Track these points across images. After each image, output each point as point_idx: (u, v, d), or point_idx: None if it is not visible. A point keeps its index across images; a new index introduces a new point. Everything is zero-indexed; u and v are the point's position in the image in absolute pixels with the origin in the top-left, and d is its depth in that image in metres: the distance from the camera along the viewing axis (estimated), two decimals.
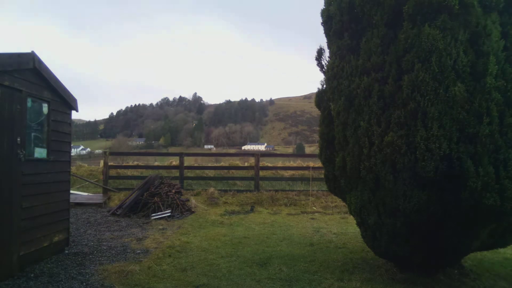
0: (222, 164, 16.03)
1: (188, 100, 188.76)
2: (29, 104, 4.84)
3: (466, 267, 4.86)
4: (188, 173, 13.55)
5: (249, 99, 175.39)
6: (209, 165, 16.15)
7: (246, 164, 15.06)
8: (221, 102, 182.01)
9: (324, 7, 5.04)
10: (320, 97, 5.30)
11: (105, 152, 13.05)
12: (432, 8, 3.83)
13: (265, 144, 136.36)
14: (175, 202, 9.44)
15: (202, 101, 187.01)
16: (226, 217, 9.12)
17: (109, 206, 10.41)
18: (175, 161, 14.88)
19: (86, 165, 16.05)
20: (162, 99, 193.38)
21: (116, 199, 10.89)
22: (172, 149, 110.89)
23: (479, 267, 5.09)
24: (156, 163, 17.90)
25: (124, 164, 16.13)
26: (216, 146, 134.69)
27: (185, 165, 12.71)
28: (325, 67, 5.16)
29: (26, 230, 4.79)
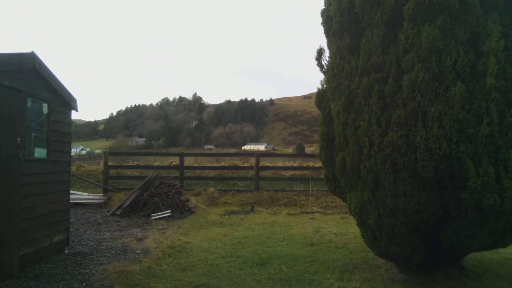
0: (222, 164, 16.01)
1: (188, 100, 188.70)
2: (29, 104, 4.84)
3: (466, 267, 4.86)
4: (188, 173, 13.55)
5: (249, 99, 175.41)
6: (209, 165, 16.14)
7: (246, 164, 15.05)
8: (221, 102, 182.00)
9: (324, 7, 5.04)
10: (320, 97, 5.30)
11: (105, 152, 13.04)
12: (432, 8, 3.83)
13: (265, 144, 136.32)
14: (175, 202, 9.44)
15: (202, 101, 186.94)
16: (226, 217, 9.12)
17: (109, 206, 10.41)
18: (175, 161, 14.88)
19: (86, 165, 16.03)
20: (162, 99, 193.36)
21: (116, 199, 10.88)
22: (172, 149, 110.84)
23: (479, 267, 5.09)
24: (156, 163, 17.89)
25: (124, 164, 16.10)
26: (216, 146, 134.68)
27: (185, 165, 12.70)
28: (325, 67, 5.16)
29: (26, 230, 4.79)
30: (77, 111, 6.03)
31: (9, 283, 4.30)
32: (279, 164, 16.35)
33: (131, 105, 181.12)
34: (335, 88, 4.71)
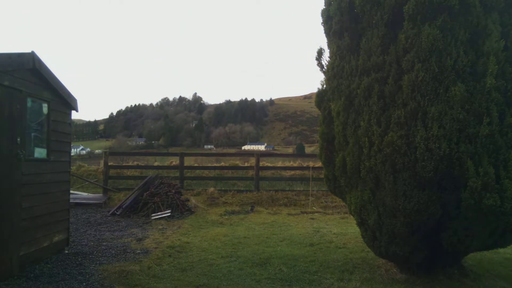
0: (222, 164, 16.00)
1: (188, 100, 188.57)
2: (29, 104, 4.84)
3: (466, 267, 4.86)
4: (188, 173, 13.55)
5: (249, 99, 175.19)
6: (209, 165, 16.14)
7: (246, 164, 15.04)
8: (221, 102, 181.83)
9: (324, 7, 5.04)
10: (320, 97, 5.30)
11: (105, 152, 13.05)
12: (432, 8, 3.83)
13: (265, 144, 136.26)
14: (175, 202, 9.44)
15: (202, 101, 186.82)
16: (226, 217, 9.12)
17: (109, 206, 10.41)
18: (175, 161, 14.88)
19: (86, 165, 16.02)
20: (162, 99, 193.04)
21: (116, 199, 10.89)
22: (172, 149, 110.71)
23: (479, 267, 5.09)
24: (156, 163, 17.86)
25: (124, 164, 16.10)
26: (216, 146, 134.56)
27: (185, 165, 12.71)
28: (325, 67, 5.16)
29: (26, 230, 4.79)
30: (77, 111, 6.03)
31: (9, 283, 4.30)
32: (279, 164, 16.35)
33: (131, 105, 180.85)
34: (335, 88, 4.71)
